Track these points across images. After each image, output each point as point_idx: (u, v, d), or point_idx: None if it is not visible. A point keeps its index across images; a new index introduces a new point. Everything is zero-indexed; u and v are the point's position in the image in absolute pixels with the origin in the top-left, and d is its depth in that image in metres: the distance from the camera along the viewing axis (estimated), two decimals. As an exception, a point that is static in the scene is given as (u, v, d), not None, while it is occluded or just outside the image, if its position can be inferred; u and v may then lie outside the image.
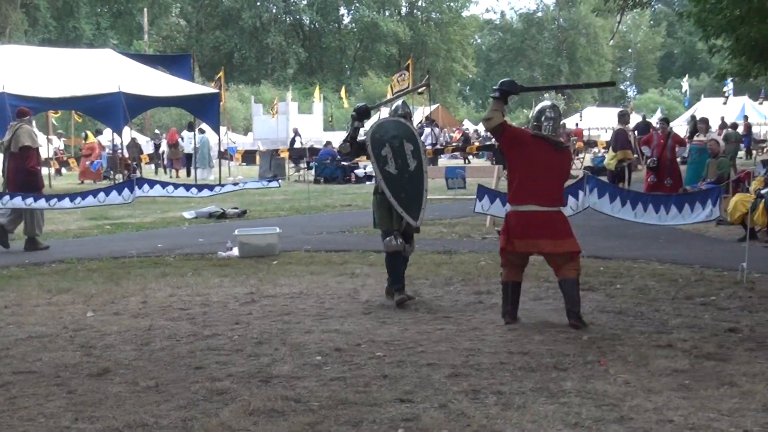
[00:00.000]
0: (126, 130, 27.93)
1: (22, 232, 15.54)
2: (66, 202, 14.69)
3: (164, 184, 15.96)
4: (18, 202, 14.49)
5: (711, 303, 9.50)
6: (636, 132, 27.28)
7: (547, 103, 8.72)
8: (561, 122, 8.84)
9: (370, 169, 33.05)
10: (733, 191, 15.19)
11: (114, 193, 14.66)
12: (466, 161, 40.98)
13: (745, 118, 46.66)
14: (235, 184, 15.34)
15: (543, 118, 8.49)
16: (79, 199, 14.62)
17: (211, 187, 15.98)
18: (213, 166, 35.02)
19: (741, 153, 41.78)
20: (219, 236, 15.61)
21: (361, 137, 10.00)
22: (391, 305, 9.65)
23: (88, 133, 38.62)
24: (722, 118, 45.27)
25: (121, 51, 37.81)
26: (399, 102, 10.51)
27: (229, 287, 11.01)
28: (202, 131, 35.15)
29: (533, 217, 8.37)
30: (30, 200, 14.51)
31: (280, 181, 18.91)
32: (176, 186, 16.06)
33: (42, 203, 14.70)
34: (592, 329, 8.23)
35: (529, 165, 8.40)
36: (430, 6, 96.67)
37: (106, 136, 37.13)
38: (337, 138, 37.51)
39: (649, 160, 19.60)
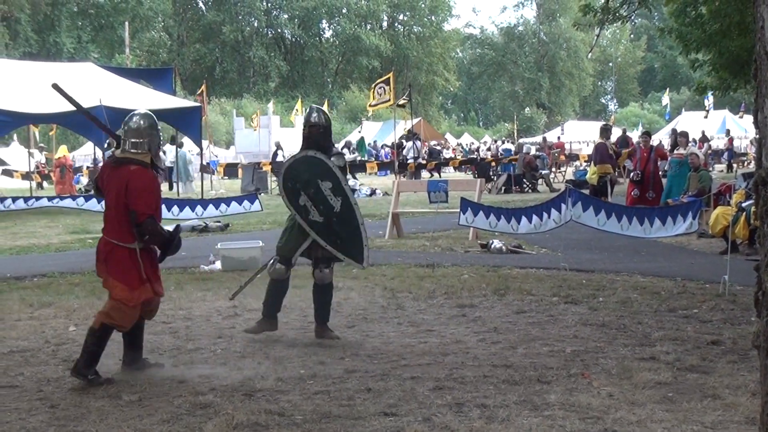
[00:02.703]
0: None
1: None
2: (44, 200, 14.76)
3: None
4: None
5: (693, 315, 9.54)
6: (617, 146, 27.36)
7: (136, 112, 7.94)
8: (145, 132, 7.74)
9: (353, 182, 33.10)
10: (715, 204, 15.27)
11: (94, 200, 14.64)
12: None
13: (727, 131, 47.01)
14: (217, 203, 15.19)
15: (126, 128, 7.64)
16: (57, 199, 14.69)
17: (192, 206, 15.92)
18: (192, 179, 34.91)
19: (722, 166, 42.18)
20: (201, 250, 15.55)
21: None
22: (376, 318, 9.67)
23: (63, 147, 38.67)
24: (703, 132, 45.70)
25: (102, 64, 37.70)
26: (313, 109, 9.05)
27: (211, 301, 10.98)
28: (180, 145, 35.03)
29: (98, 247, 7.50)
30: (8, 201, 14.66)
31: (262, 195, 18.85)
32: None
33: (21, 203, 14.73)
34: (575, 342, 8.26)
35: None
36: (411, 20, 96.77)
37: (87, 150, 37.03)
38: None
39: (633, 174, 19.70)
